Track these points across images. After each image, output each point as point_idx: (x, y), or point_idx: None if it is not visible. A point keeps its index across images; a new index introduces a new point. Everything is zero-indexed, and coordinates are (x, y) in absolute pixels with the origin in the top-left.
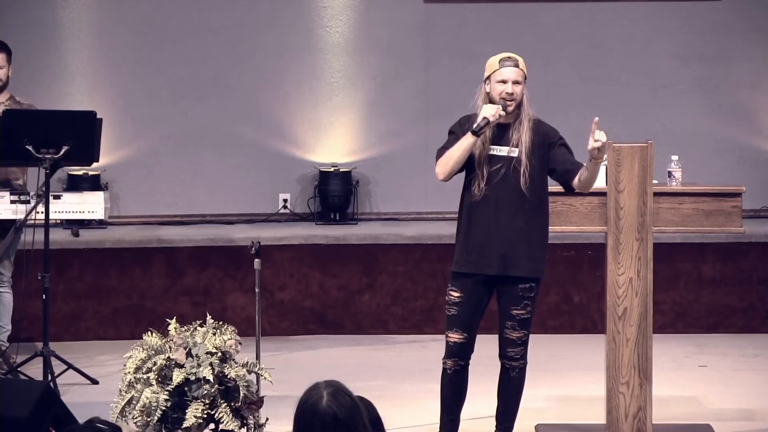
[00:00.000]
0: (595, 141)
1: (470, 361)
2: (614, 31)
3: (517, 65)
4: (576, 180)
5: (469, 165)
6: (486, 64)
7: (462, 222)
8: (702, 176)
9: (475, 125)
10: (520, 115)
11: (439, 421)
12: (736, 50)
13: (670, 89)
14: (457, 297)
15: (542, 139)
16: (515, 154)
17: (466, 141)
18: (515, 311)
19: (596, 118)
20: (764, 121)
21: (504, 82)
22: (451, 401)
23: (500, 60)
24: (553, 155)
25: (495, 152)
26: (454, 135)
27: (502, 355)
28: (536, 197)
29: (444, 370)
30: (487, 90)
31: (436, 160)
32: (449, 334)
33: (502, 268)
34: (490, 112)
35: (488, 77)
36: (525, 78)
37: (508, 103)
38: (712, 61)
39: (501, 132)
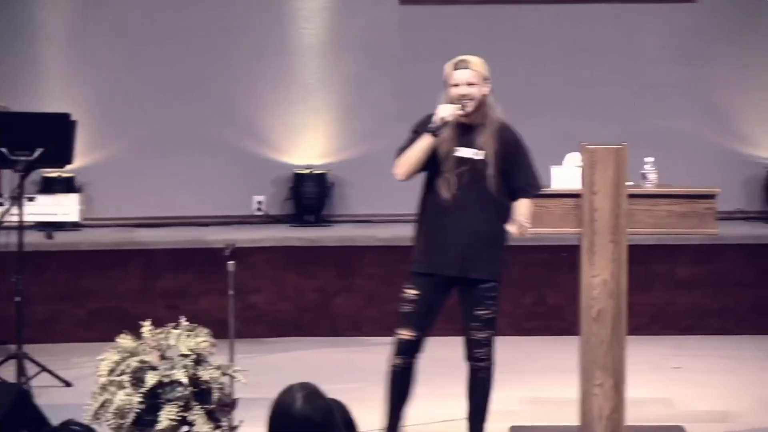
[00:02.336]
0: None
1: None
2: (594, 32)
3: (468, 67)
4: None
5: (430, 165)
6: None
7: (423, 222)
8: (680, 178)
9: (431, 125)
10: (485, 118)
11: (385, 420)
12: (713, 52)
13: (650, 91)
14: (414, 295)
15: (505, 145)
16: (480, 157)
17: (424, 141)
18: (479, 311)
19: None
20: (741, 122)
21: (456, 85)
22: (397, 400)
23: (453, 64)
24: (509, 167)
25: (460, 154)
26: (416, 134)
27: (469, 357)
28: (501, 200)
29: (392, 367)
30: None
31: (395, 160)
32: (401, 332)
33: (464, 269)
34: (446, 111)
35: (446, 82)
36: (485, 79)
37: (465, 102)
38: (690, 63)
39: (466, 134)
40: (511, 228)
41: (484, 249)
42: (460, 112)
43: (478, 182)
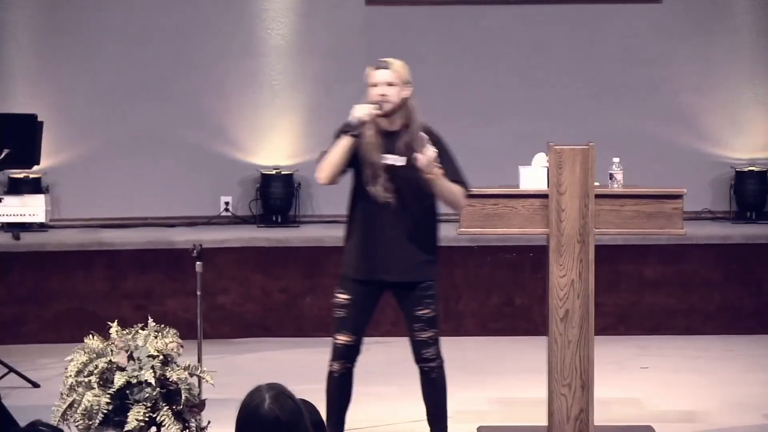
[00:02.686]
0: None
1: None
2: (556, 33)
3: (387, 67)
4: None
5: (358, 171)
6: None
7: (354, 228)
8: (643, 179)
9: (348, 124)
10: (407, 122)
11: (327, 426)
12: (676, 53)
13: (612, 92)
14: (346, 300)
15: None
16: (404, 162)
17: (343, 142)
18: (420, 312)
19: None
20: (705, 123)
21: (375, 85)
22: (338, 404)
23: (373, 66)
24: None
25: (387, 160)
26: (338, 139)
27: (418, 359)
28: (429, 202)
29: (330, 373)
30: None
31: (318, 164)
32: (338, 337)
33: (400, 274)
34: (362, 111)
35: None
36: (405, 82)
37: (383, 102)
38: (653, 64)
39: (392, 140)
40: (420, 155)
41: (417, 251)
42: (377, 112)
43: (405, 187)
